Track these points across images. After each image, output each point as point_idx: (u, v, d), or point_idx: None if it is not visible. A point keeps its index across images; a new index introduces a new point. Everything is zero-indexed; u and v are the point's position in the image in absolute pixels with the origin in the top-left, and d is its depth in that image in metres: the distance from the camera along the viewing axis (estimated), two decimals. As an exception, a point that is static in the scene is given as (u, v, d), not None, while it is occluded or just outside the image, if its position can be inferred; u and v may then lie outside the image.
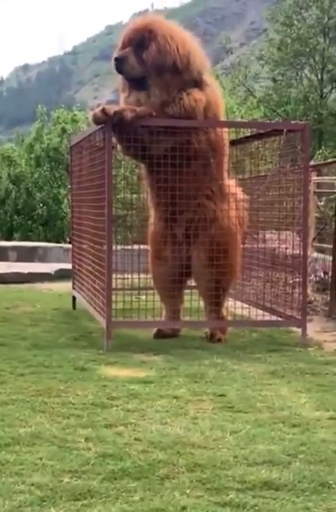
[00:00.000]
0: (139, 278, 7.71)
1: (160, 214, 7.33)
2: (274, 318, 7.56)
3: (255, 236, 8.20)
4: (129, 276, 7.79)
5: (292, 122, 13.58)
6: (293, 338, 7.43)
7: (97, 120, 6.94)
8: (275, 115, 31.24)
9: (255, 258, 8.20)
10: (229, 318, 7.54)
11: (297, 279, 7.46)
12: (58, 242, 27.34)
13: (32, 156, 35.33)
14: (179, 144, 6.87)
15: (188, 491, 3.46)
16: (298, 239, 7.50)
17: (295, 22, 31.25)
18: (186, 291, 7.69)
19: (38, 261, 14.06)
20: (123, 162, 8.24)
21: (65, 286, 10.51)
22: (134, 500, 3.36)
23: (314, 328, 7.89)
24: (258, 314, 7.63)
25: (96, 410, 4.68)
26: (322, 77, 32.10)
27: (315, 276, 10.13)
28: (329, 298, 9.07)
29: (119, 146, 7.35)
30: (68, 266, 10.57)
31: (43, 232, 32.31)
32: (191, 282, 7.79)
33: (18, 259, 13.90)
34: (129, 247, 8.17)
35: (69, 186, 14.04)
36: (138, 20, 7.18)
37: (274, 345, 7.14)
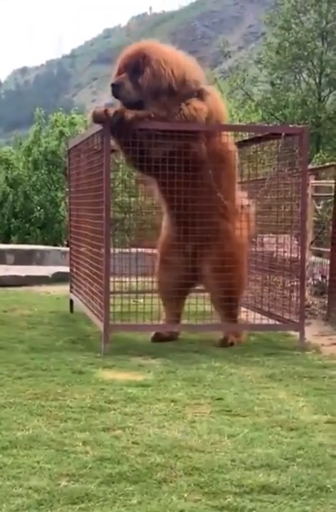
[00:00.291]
0: (137, 281, 7.71)
1: (171, 220, 7.39)
2: (272, 321, 7.57)
3: (253, 239, 8.19)
4: (127, 279, 7.79)
5: (291, 126, 13.59)
6: (291, 342, 7.43)
7: (96, 118, 6.96)
8: (273, 119, 31.29)
9: (253, 261, 8.20)
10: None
11: (295, 283, 7.46)
12: (55, 245, 27.36)
13: (30, 159, 35.35)
14: (181, 152, 6.86)
15: (185, 495, 3.46)
16: (296, 242, 7.50)
17: (293, 26, 31.31)
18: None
19: (35, 264, 14.06)
20: (121, 165, 8.25)
21: (62, 290, 10.51)
22: (132, 503, 3.36)
23: (312, 332, 7.89)
24: (255, 318, 7.62)
25: (94, 414, 4.68)
26: (320, 81, 32.16)
27: (313, 279, 10.13)
28: (327, 301, 9.07)
29: (121, 155, 7.39)
30: (66, 269, 10.56)
31: (40, 235, 32.32)
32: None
33: (16, 262, 13.90)
34: (127, 250, 8.17)
35: (67, 189, 14.05)
36: (132, 46, 7.27)
37: (272, 348, 7.14)
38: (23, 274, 12.05)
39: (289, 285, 7.71)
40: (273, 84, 32.28)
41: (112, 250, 7.16)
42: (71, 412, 4.70)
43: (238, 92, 33.70)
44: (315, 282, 10.09)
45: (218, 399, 5.10)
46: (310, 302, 9.42)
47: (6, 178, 34.62)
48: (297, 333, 7.24)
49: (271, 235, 8.16)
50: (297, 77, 32.70)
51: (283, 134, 7.55)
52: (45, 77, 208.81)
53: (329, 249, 9.29)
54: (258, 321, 7.57)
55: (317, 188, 11.27)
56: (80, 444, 4.10)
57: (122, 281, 7.73)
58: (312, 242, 10.60)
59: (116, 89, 7.04)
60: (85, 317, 8.13)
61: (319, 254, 10.57)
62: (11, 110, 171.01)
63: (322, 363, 6.52)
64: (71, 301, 9.23)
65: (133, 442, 4.15)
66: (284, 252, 7.71)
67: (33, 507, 3.30)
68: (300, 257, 7.30)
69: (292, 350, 7.01)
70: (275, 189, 7.88)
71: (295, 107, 31.43)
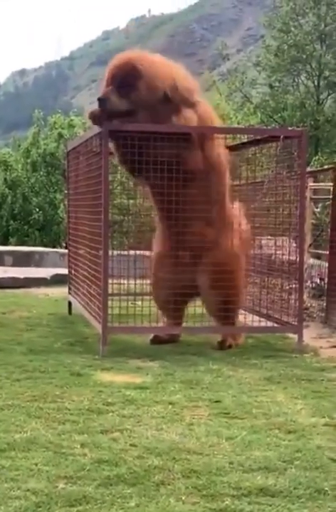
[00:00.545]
0: (135, 283, 7.71)
1: (164, 230, 7.40)
2: (270, 324, 7.57)
3: (252, 242, 8.19)
4: (125, 281, 7.79)
5: (289, 129, 13.61)
6: (289, 345, 7.43)
7: (92, 117, 7.01)
8: (271, 121, 31.30)
9: (252, 264, 8.20)
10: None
11: (294, 285, 7.46)
12: (54, 247, 27.35)
13: (28, 161, 35.32)
14: (172, 158, 6.85)
15: (183, 498, 3.46)
16: (295, 245, 7.51)
17: (292, 28, 31.33)
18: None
19: (34, 266, 14.06)
20: (119, 167, 8.24)
21: (61, 292, 10.51)
22: (130, 506, 3.36)
23: (310, 335, 7.89)
24: (254, 320, 7.63)
25: (92, 416, 4.68)
26: (318, 84, 32.18)
27: (311, 282, 10.14)
28: (325, 304, 9.08)
29: (116, 158, 7.38)
30: (64, 271, 10.57)
31: (39, 237, 32.28)
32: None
33: (14, 264, 13.91)
34: (126, 252, 8.17)
35: (65, 191, 14.05)
36: (120, 57, 7.17)
37: (270, 351, 7.14)
38: (22, 276, 12.05)
39: (287, 287, 7.72)
40: (271, 86, 32.30)
41: (110, 252, 7.16)
42: (69, 414, 4.70)
43: (236, 95, 33.72)
44: (314, 285, 10.09)
45: (216, 401, 5.11)
46: (308, 305, 9.43)
47: (5, 179, 34.60)
48: (296, 336, 7.24)
49: (270, 237, 8.16)
50: (296, 80, 32.72)
51: (282, 136, 7.56)
52: (43, 79, 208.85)
53: (327, 252, 9.30)
54: (256, 324, 7.58)
55: (315, 191, 11.29)
56: (78, 446, 4.10)
57: (120, 284, 7.73)
58: (310, 245, 10.62)
59: (102, 104, 6.95)
60: (83, 319, 8.12)
61: (317, 256, 10.58)
62: (9, 112, 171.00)
63: (321, 365, 6.52)
64: (69, 303, 9.23)
65: (131, 445, 4.15)
66: (282, 254, 7.71)
67: (31, 509, 3.30)
68: (298, 259, 7.30)
69: (291, 353, 7.01)
70: (273, 191, 7.88)
71: (294, 110, 31.44)
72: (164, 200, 7.01)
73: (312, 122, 30.62)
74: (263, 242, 8.31)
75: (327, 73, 31.81)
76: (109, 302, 6.96)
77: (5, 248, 17.18)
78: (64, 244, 24.77)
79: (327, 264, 9.29)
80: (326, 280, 9.27)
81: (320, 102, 32.18)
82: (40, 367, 6.01)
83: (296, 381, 5.81)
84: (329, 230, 9.26)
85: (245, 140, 8.11)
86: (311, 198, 10.84)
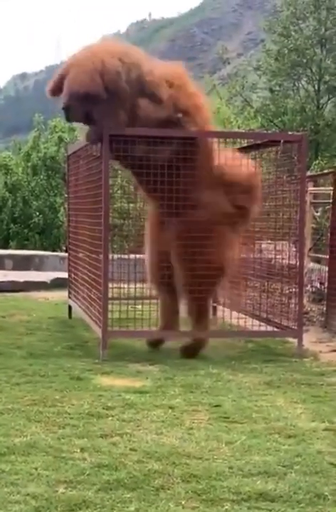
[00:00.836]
0: (136, 287, 7.71)
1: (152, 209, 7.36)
2: (270, 328, 7.57)
3: (251, 246, 8.20)
4: (126, 285, 7.79)
5: (290, 133, 13.62)
6: (289, 349, 7.43)
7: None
8: (272, 125, 31.32)
9: (252, 268, 8.20)
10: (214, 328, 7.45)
11: (294, 290, 7.46)
12: (54, 250, 27.35)
13: (29, 164, 35.35)
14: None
15: (183, 502, 3.46)
16: (294, 249, 7.51)
17: (293, 33, 31.37)
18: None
19: (34, 269, 14.06)
20: (120, 171, 8.25)
21: (61, 295, 10.51)
22: (130, 510, 3.36)
23: (310, 339, 7.89)
24: (253, 324, 7.63)
25: (91, 420, 4.68)
26: (318, 88, 32.21)
27: (311, 286, 10.14)
28: (325, 308, 9.08)
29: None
30: (64, 275, 10.57)
31: (39, 241, 32.30)
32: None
33: (14, 268, 13.90)
34: (126, 256, 8.17)
35: (65, 195, 14.05)
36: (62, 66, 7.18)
37: (270, 355, 7.14)
38: (22, 280, 12.05)
39: (287, 292, 7.72)
40: (271, 91, 32.33)
41: (110, 256, 7.16)
42: (69, 418, 4.70)
43: (237, 99, 33.75)
44: (313, 289, 10.10)
45: (215, 406, 5.10)
46: (308, 309, 9.43)
47: (5, 183, 34.61)
48: (296, 340, 7.25)
49: (269, 241, 8.16)
50: (296, 84, 32.75)
51: (282, 141, 7.57)
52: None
53: (327, 256, 9.30)
54: (256, 328, 7.58)
55: (315, 195, 11.30)
56: (78, 450, 4.10)
57: (120, 288, 7.73)
58: (310, 249, 10.62)
59: (66, 113, 6.94)
60: (83, 323, 8.12)
61: (317, 261, 10.58)
62: (10, 115, 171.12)
63: (320, 369, 6.52)
64: (69, 307, 9.23)
65: (131, 449, 4.15)
66: (282, 258, 7.72)
67: (31, 514, 3.30)
68: (298, 263, 7.30)
69: (290, 357, 7.02)
70: (273, 196, 7.89)
71: (294, 114, 31.46)
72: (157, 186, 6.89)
73: (313, 126, 30.64)
74: (263, 246, 8.32)
75: (327, 78, 31.84)
76: (110, 306, 6.96)
77: (5, 252, 17.17)
78: (64, 248, 24.77)
79: (327, 269, 9.29)
80: (326, 284, 9.28)
81: (320, 106, 32.21)
82: (40, 371, 6.00)
83: (296, 385, 5.81)
84: (329, 234, 9.26)
85: (246, 144, 8.12)
86: (311, 202, 10.84)
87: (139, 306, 7.53)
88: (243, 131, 25.87)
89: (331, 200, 9.23)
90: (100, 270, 6.96)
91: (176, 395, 5.39)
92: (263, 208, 7.89)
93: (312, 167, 21.84)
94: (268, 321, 7.67)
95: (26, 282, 11.98)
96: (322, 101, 32.42)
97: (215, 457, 4.06)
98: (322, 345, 7.77)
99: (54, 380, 5.71)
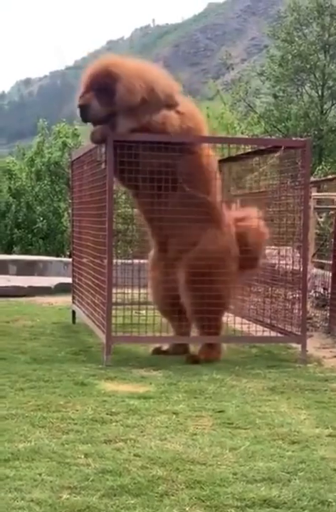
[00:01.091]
0: (140, 293, 7.71)
1: (152, 238, 7.42)
2: (274, 334, 7.56)
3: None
4: (129, 290, 7.79)
5: (293, 139, 13.62)
6: (293, 354, 7.42)
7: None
8: (275, 131, 31.36)
9: (255, 274, 8.19)
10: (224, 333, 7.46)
11: (297, 295, 7.46)
12: (58, 256, 27.40)
13: (33, 169, 35.44)
14: (160, 165, 6.82)
15: (187, 508, 3.45)
16: (298, 254, 7.50)
17: (296, 38, 31.43)
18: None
19: (37, 275, 14.07)
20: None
21: (64, 301, 10.51)
22: (133, 516, 3.36)
23: (313, 345, 7.89)
24: (257, 330, 7.62)
25: (95, 426, 4.68)
26: (322, 94, 32.25)
27: (315, 292, 10.13)
28: (328, 314, 9.07)
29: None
30: (68, 280, 10.57)
31: (43, 246, 32.35)
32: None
33: (18, 273, 13.91)
34: (130, 261, 8.17)
35: (69, 200, 14.07)
36: (95, 64, 7.16)
37: (273, 361, 7.14)
38: (26, 285, 12.06)
39: (291, 297, 7.71)
40: (275, 96, 32.38)
41: (114, 261, 7.16)
42: (73, 423, 4.70)
43: (240, 104, 33.81)
44: (317, 294, 10.08)
45: (219, 411, 5.10)
46: (312, 314, 9.42)
47: (9, 188, 34.70)
48: (299, 346, 7.24)
49: (273, 247, 8.16)
50: (300, 90, 32.79)
51: (283, 147, 7.58)
52: (48, 88, 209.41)
53: (331, 262, 9.30)
54: (259, 333, 7.57)
55: (319, 201, 11.28)
56: (82, 456, 4.10)
57: (124, 293, 7.73)
58: (314, 255, 10.61)
59: (84, 111, 6.94)
60: (87, 328, 8.13)
61: (321, 266, 10.57)
62: (14, 121, 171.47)
63: (324, 375, 6.51)
64: (73, 312, 9.23)
65: (135, 455, 4.15)
66: (286, 264, 7.71)
67: (35, 519, 3.30)
68: (301, 269, 7.30)
69: (294, 363, 7.01)
70: (277, 201, 7.89)
71: (298, 119, 31.50)
72: (154, 203, 6.95)
73: (316, 132, 30.67)
74: (267, 251, 8.31)
75: (330, 83, 31.90)
76: (113, 311, 6.96)
77: (9, 257, 17.21)
78: (68, 253, 24.80)
79: (330, 274, 9.28)
80: (329, 290, 9.27)
81: (324, 111, 32.24)
82: (43, 376, 6.01)
83: (300, 391, 5.80)
84: (332, 239, 9.26)
85: (249, 150, 8.12)
86: (315, 208, 10.83)
87: (143, 312, 7.53)
88: (247, 136, 25.88)
89: (335, 206, 9.23)
90: (104, 275, 6.97)
91: (180, 400, 5.38)
92: (267, 213, 7.89)
93: (315, 172, 21.84)
94: (271, 327, 7.67)
95: (30, 287, 11.99)
96: (325, 106, 32.47)
97: (219, 463, 4.06)
98: (325, 351, 7.76)
99: (58, 386, 5.71)
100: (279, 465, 4.04)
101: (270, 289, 7.99)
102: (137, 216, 7.88)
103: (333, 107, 32.78)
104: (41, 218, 33.04)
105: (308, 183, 7.67)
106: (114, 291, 7.07)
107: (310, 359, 7.18)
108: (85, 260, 8.51)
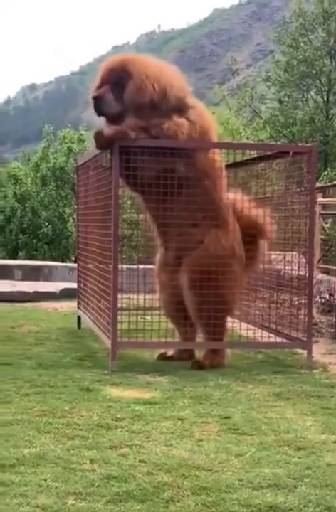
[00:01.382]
0: (145, 298, 7.70)
1: (158, 241, 7.41)
2: (279, 339, 7.55)
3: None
4: (135, 296, 7.78)
5: (299, 144, 13.62)
6: (298, 360, 7.41)
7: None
8: (281, 136, 31.36)
9: (261, 279, 8.18)
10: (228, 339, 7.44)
11: (303, 301, 7.45)
12: (63, 261, 27.46)
13: (38, 175, 35.53)
14: (165, 170, 6.81)
15: (193, 515, 3.44)
16: (304, 260, 7.49)
17: (302, 44, 31.45)
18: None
19: (43, 280, 14.08)
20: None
21: (70, 306, 10.51)
22: (139, 523, 3.35)
23: (319, 350, 7.87)
24: (263, 336, 7.61)
25: (101, 431, 4.67)
26: (328, 99, 32.25)
27: (321, 297, 10.12)
28: (334, 320, 9.05)
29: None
30: (73, 285, 10.58)
31: (48, 251, 32.41)
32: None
33: (23, 278, 13.92)
34: (135, 266, 8.17)
35: (75, 205, 14.09)
36: (114, 59, 7.17)
37: (279, 367, 7.12)
38: (31, 290, 12.07)
39: (296, 303, 7.70)
40: (281, 101, 32.40)
41: (119, 267, 7.16)
42: (78, 429, 4.70)
43: (246, 110, 33.84)
44: (323, 300, 10.07)
45: (225, 417, 5.09)
46: (318, 320, 9.40)
47: (14, 193, 34.79)
48: (305, 352, 7.22)
49: (279, 252, 8.15)
50: (305, 95, 32.82)
51: (291, 152, 7.57)
52: (53, 94, 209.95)
53: (336, 267, 9.28)
54: (265, 339, 7.55)
55: (324, 206, 11.27)
56: (87, 462, 4.09)
57: (129, 298, 7.73)
58: (319, 260, 10.60)
59: (98, 102, 6.94)
60: (92, 334, 8.12)
61: (326, 272, 10.55)
62: (19, 126, 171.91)
63: (330, 381, 6.49)
64: (79, 318, 9.23)
65: (140, 461, 4.14)
66: (291, 269, 7.70)
67: (40, 525, 3.29)
68: (307, 274, 7.29)
69: (300, 369, 6.99)
70: (282, 207, 7.88)
71: (303, 125, 31.51)
72: (160, 208, 6.96)
73: (322, 137, 30.68)
74: (273, 257, 8.30)
75: (336, 88, 31.90)
76: (119, 317, 6.95)
77: (14, 262, 17.23)
78: (73, 259, 24.82)
79: (336, 280, 9.27)
80: (335, 296, 9.25)
81: (330, 117, 32.24)
82: (49, 381, 6.00)
83: (305, 397, 5.79)
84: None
85: (255, 155, 8.12)
86: (320, 213, 10.82)
87: (149, 317, 7.53)
88: (252, 142, 25.88)
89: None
90: (109, 281, 6.96)
91: (185, 406, 5.37)
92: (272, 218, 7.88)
93: (321, 178, 21.83)
94: (277, 333, 7.65)
95: (35, 292, 12.00)
96: (331, 112, 32.48)
97: (225, 469, 4.05)
98: (331, 357, 7.74)
99: (63, 391, 5.71)
100: (285, 471, 4.02)
101: (275, 294, 7.98)
102: (143, 221, 7.89)
103: (339, 113, 32.79)
104: (46, 223, 33.11)
105: (314, 189, 7.66)
106: (119, 296, 7.07)
107: (316, 365, 7.16)
108: (90, 265, 8.51)
